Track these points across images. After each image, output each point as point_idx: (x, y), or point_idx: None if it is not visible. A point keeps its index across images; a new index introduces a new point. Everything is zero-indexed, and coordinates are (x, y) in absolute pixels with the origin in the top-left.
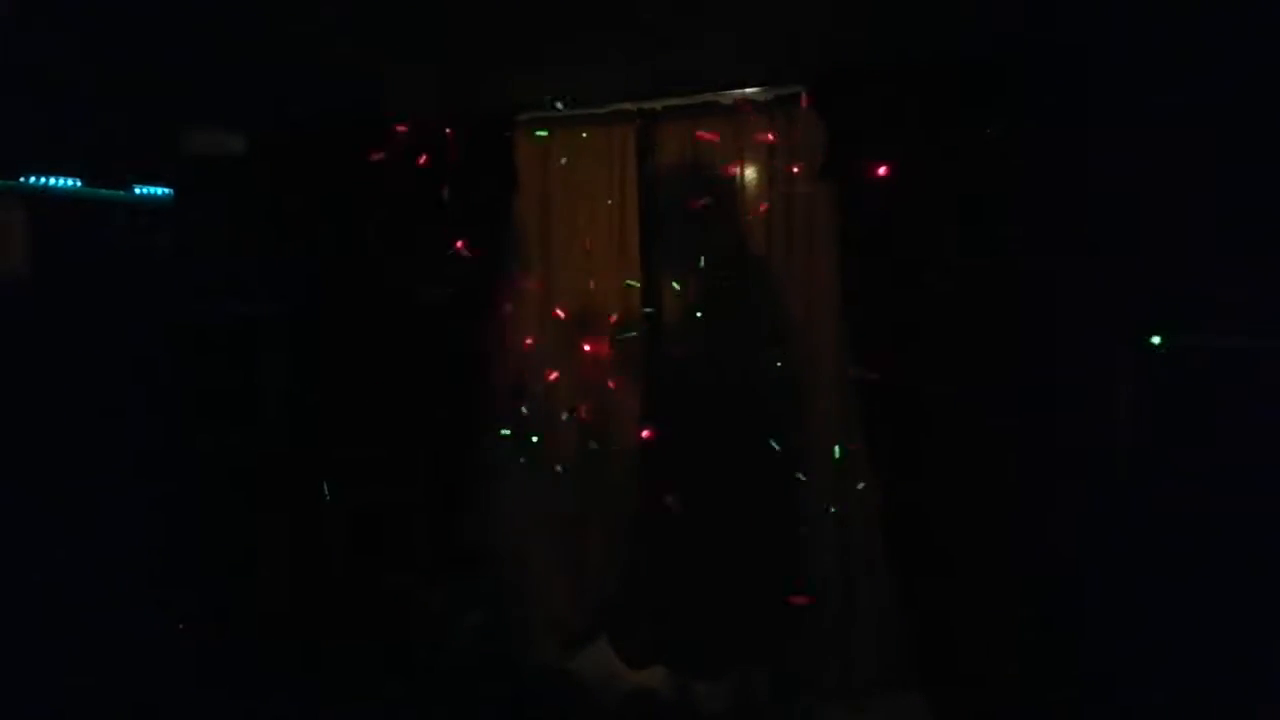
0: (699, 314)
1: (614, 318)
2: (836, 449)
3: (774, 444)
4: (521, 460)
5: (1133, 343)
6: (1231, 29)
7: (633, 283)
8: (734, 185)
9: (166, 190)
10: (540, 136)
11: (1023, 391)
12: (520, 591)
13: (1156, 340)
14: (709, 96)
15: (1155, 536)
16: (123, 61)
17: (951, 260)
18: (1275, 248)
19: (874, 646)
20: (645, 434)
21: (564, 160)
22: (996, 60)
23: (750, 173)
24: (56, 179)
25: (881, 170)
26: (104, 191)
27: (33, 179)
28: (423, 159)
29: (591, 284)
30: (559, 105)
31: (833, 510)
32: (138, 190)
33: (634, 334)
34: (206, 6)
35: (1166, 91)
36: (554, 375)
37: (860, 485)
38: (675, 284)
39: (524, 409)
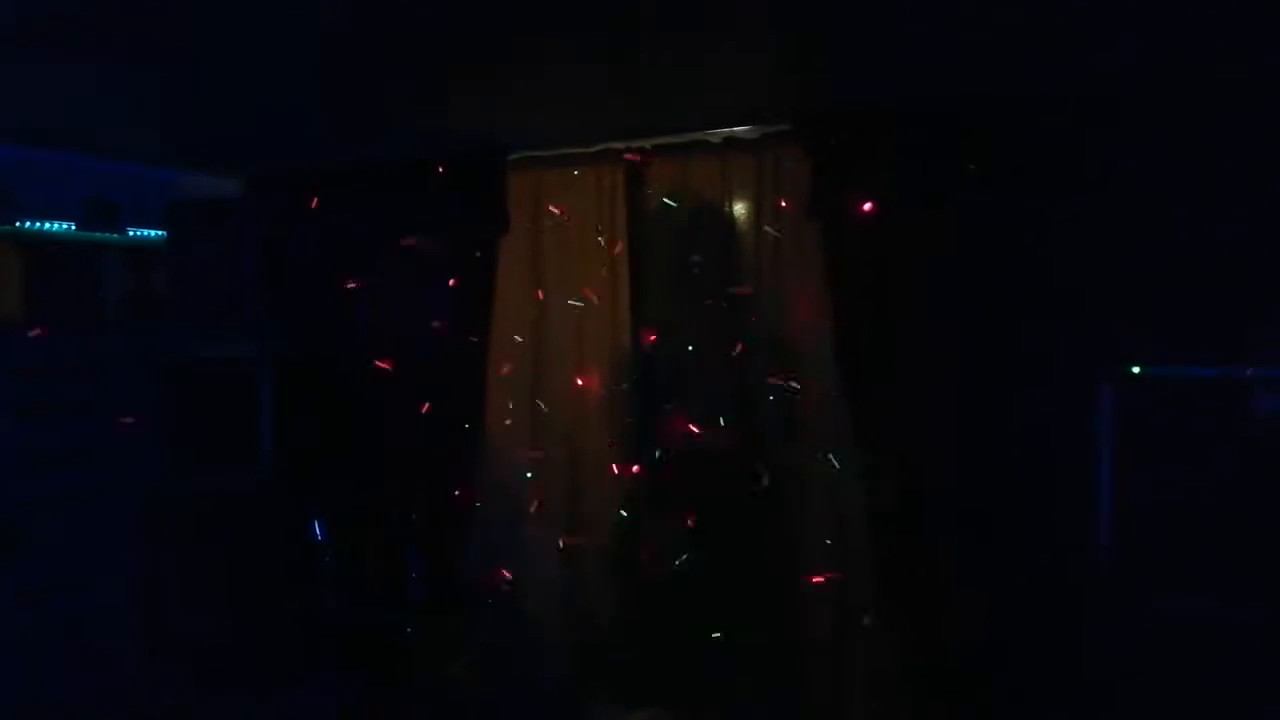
0: (690, 348)
1: (605, 354)
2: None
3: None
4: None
5: (1112, 373)
6: (1205, 78)
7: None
8: (723, 222)
9: (160, 233)
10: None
11: (1008, 418)
12: (517, 630)
13: (1136, 370)
14: (698, 135)
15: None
16: (116, 106)
17: (936, 294)
18: (1252, 278)
19: (877, 685)
20: (635, 469)
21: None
22: (977, 102)
23: (739, 209)
24: (51, 223)
25: (867, 207)
26: (98, 235)
27: (28, 223)
28: (413, 199)
29: (582, 322)
30: None
31: (828, 542)
32: (131, 233)
33: (626, 378)
34: (197, 55)
35: (1145, 132)
36: (545, 410)
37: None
38: (667, 320)
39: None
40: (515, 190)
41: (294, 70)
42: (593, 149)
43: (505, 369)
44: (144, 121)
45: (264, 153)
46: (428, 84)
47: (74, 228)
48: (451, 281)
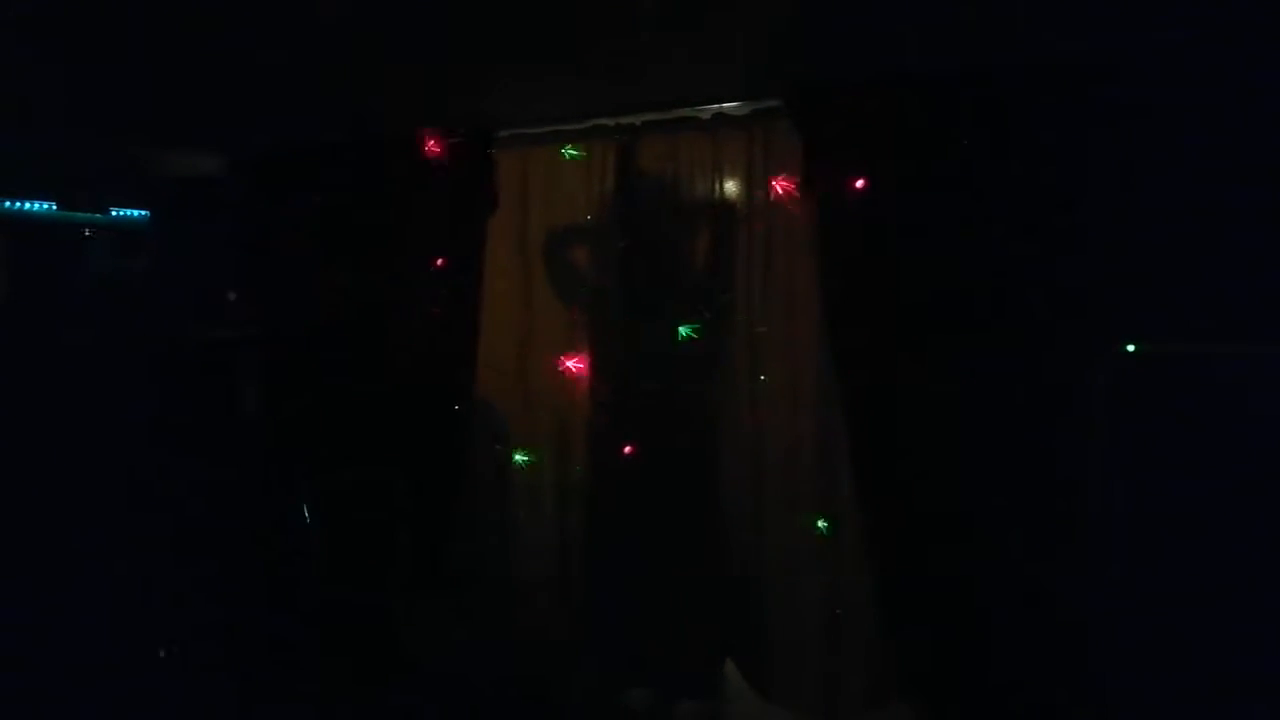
0: (680, 328)
1: (593, 334)
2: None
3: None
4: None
5: (1108, 350)
6: (1204, 38)
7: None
8: (713, 199)
9: (142, 212)
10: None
11: (1005, 398)
12: (505, 611)
13: (1131, 348)
14: (688, 111)
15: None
16: (97, 81)
17: (929, 270)
18: (1251, 253)
19: (861, 665)
20: (627, 450)
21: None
22: (972, 72)
23: (730, 186)
24: (31, 202)
25: (860, 183)
26: (79, 214)
27: (6, 203)
28: (401, 176)
29: (571, 300)
30: None
31: (821, 525)
32: (114, 213)
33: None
34: (183, 27)
35: (1138, 101)
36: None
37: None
38: (656, 299)
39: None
40: (503, 168)
41: (283, 46)
42: (581, 126)
43: (493, 348)
44: (129, 95)
45: (250, 130)
46: (416, 60)
47: (54, 208)
48: (439, 261)
